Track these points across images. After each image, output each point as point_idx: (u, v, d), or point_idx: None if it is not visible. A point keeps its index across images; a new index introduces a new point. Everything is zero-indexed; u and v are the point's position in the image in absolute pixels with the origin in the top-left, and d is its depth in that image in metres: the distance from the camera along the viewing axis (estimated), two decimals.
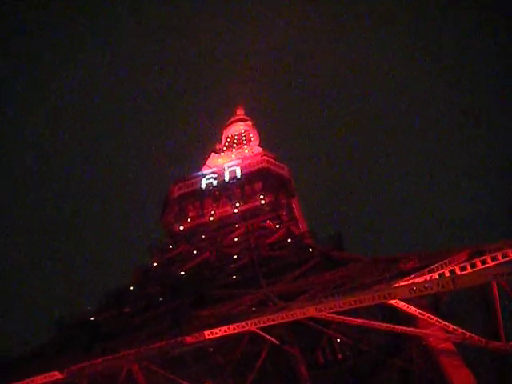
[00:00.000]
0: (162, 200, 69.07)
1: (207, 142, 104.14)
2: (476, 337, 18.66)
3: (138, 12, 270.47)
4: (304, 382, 25.76)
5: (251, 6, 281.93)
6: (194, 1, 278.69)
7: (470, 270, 18.93)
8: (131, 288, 44.07)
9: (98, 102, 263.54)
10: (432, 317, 18.71)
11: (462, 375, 19.02)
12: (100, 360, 23.31)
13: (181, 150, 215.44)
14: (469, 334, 18.68)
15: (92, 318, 36.36)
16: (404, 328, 19.87)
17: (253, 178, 66.76)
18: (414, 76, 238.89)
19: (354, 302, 18.43)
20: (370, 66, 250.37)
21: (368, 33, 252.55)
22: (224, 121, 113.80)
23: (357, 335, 26.33)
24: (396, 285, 18.53)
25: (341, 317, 19.86)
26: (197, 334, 22.13)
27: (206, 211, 64.85)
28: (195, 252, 50.79)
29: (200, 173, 73.18)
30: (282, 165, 70.06)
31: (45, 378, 23.07)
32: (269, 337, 22.78)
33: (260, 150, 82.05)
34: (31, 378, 23.08)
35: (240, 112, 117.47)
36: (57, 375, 23.13)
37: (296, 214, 63.73)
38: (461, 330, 18.65)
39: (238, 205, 62.98)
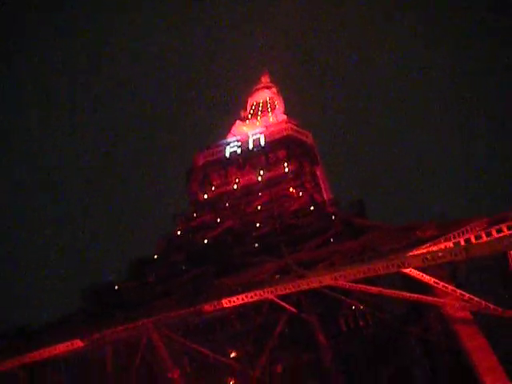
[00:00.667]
0: (187, 169, 69.06)
1: (233, 111, 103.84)
2: (492, 306, 18.60)
3: None
4: (323, 350, 25.99)
5: None
6: None
7: (484, 239, 18.75)
8: (155, 257, 44.44)
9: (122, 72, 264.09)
10: (447, 286, 18.68)
11: (478, 343, 18.98)
12: (120, 328, 23.75)
13: (207, 119, 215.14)
14: (484, 302, 18.64)
15: (116, 287, 36.79)
16: (420, 296, 19.86)
17: (277, 146, 66.37)
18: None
19: (369, 270, 18.46)
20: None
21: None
22: (250, 88, 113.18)
23: (377, 304, 26.45)
24: (411, 253, 18.46)
25: (357, 285, 19.91)
26: (215, 303, 22.35)
27: (230, 179, 64.75)
28: (219, 220, 50.97)
29: (224, 141, 72.94)
30: (305, 132, 69.51)
31: (66, 346, 23.67)
32: (286, 305, 22.97)
33: (284, 117, 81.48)
34: (54, 346, 23.67)
35: (265, 79, 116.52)
36: (78, 343, 23.68)
37: (320, 181, 63.25)
38: (476, 299, 18.62)
39: (261, 173, 62.76)
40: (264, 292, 21.08)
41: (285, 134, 67.83)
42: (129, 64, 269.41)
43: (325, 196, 61.06)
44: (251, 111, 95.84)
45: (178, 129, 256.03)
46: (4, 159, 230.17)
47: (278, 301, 22.21)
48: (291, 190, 54.25)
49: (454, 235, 19.85)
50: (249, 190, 58.54)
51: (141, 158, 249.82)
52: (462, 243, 18.70)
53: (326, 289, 22.38)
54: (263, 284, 22.21)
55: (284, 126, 71.05)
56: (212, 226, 49.75)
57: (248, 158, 66.34)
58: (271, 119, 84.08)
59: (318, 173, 64.86)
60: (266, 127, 74.59)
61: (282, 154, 65.62)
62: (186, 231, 51.92)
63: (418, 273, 18.25)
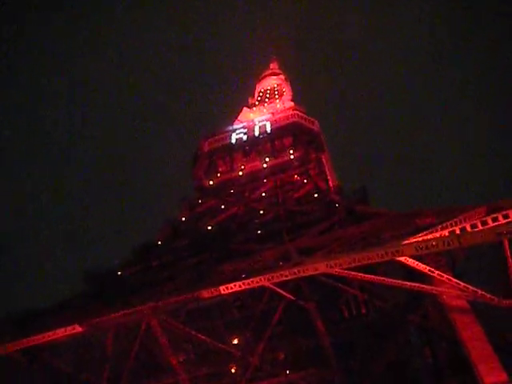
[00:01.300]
0: (193, 155, 69.14)
1: (241, 97, 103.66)
2: (488, 295, 18.51)
3: None
4: (322, 337, 26.06)
5: None
6: None
7: (479, 227, 18.67)
8: (159, 242, 44.59)
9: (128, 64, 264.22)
10: (442, 274, 18.60)
11: (473, 332, 18.90)
12: (118, 314, 23.85)
13: (215, 106, 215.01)
14: (480, 291, 18.54)
15: (119, 272, 36.96)
16: (417, 285, 19.79)
17: (283, 133, 66.38)
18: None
19: (363, 258, 18.39)
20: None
21: None
22: (258, 75, 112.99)
23: (377, 292, 26.48)
24: (405, 242, 18.40)
25: (353, 272, 19.86)
26: (213, 289, 22.32)
27: (235, 166, 64.84)
28: (223, 207, 51.12)
29: (230, 127, 73.03)
30: (312, 119, 69.36)
31: (65, 330, 23.67)
32: (283, 292, 22.98)
33: (292, 104, 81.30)
34: (53, 331, 23.75)
35: (274, 66, 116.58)
36: (77, 328, 23.69)
37: (326, 168, 63.14)
38: (472, 288, 18.52)
39: (267, 160, 62.80)
40: (261, 279, 21.05)
41: (291, 120, 67.81)
42: (137, 51, 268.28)
43: (330, 183, 60.97)
44: (259, 98, 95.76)
45: (186, 116, 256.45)
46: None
47: (275, 288, 22.16)
48: (296, 177, 54.31)
49: (451, 223, 19.73)
50: (254, 177, 58.70)
51: (148, 143, 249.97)
52: (458, 232, 18.64)
53: (323, 276, 22.39)
54: (260, 271, 22.24)
55: (291, 112, 70.99)
56: (216, 213, 49.95)
57: (254, 144, 66.41)
58: (278, 106, 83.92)
59: (324, 160, 64.69)
60: (273, 114, 74.56)
61: (287, 140, 65.63)
62: (191, 217, 52.11)
63: (412, 261, 18.16)
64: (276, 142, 65.68)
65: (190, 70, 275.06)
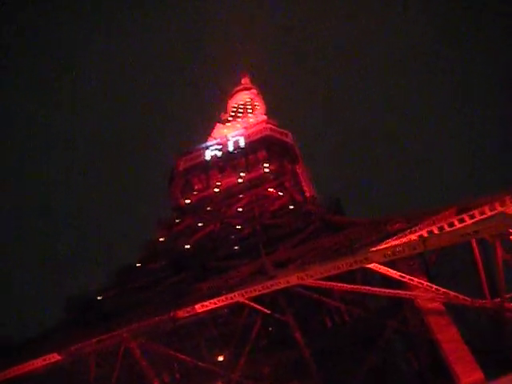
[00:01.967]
0: (168, 175, 69.05)
1: (214, 114, 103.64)
2: (460, 296, 18.63)
3: None
4: (302, 349, 25.96)
5: None
6: None
7: (446, 229, 18.77)
8: (138, 265, 44.33)
9: (99, 77, 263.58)
10: (413, 279, 18.70)
11: (449, 334, 19.00)
12: (95, 340, 23.62)
13: (187, 123, 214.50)
14: (452, 293, 18.66)
15: (99, 297, 36.66)
16: (391, 291, 19.91)
17: (256, 147, 66.54)
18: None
19: (333, 267, 18.45)
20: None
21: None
22: (230, 91, 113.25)
23: (356, 300, 26.53)
24: (373, 249, 18.45)
25: (327, 282, 19.90)
26: (188, 308, 22.29)
27: (211, 183, 64.76)
28: (200, 225, 50.93)
29: (204, 145, 72.99)
30: (285, 131, 69.76)
31: (44, 360, 23.43)
32: (258, 306, 22.94)
33: (265, 118, 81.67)
34: (31, 361, 23.47)
35: (245, 81, 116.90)
36: (56, 357, 23.47)
37: (302, 180, 63.57)
38: (443, 290, 18.64)
39: (242, 174, 62.82)
40: (235, 295, 21.07)
41: (263, 134, 68.03)
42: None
43: (308, 194, 61.43)
44: (232, 113, 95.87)
45: (158, 134, 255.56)
46: None
47: (250, 302, 22.15)
48: (271, 190, 54.32)
49: (420, 227, 19.85)
50: (230, 193, 58.57)
51: (123, 165, 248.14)
52: (425, 235, 18.71)
53: (299, 288, 22.39)
54: (235, 287, 22.21)
55: (263, 126, 71.24)
56: (194, 231, 49.71)
57: (228, 160, 66.50)
58: (251, 120, 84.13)
59: (300, 171, 65.07)
60: (246, 129, 74.73)
61: (261, 154, 65.78)
62: (169, 237, 51.87)
63: (382, 267, 18.24)
64: (250, 157, 65.81)
65: (161, 88, 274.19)
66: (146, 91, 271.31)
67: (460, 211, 20.52)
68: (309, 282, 19.45)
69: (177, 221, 56.58)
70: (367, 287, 20.10)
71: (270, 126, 70.32)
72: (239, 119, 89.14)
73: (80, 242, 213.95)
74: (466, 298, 18.63)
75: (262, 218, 44.09)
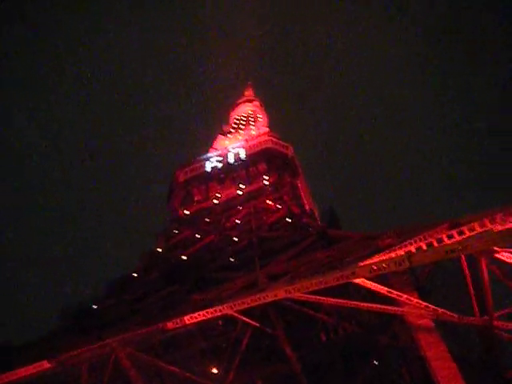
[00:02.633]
0: (169, 186, 69.13)
1: (216, 125, 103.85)
2: (448, 313, 18.56)
3: None
4: (292, 364, 25.83)
5: None
6: None
7: (435, 245, 18.65)
8: (134, 275, 44.29)
9: (102, 88, 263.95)
10: (401, 294, 18.58)
11: (437, 352, 18.87)
12: (84, 349, 23.61)
13: (190, 134, 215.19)
14: (441, 310, 18.59)
15: (95, 307, 36.66)
16: (380, 306, 19.81)
17: (257, 159, 66.58)
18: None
19: (321, 282, 18.35)
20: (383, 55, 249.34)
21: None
22: (233, 102, 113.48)
23: (346, 314, 26.40)
24: (360, 264, 18.35)
25: (315, 296, 19.82)
26: (177, 320, 22.25)
27: (211, 194, 64.72)
28: (198, 236, 50.89)
29: (205, 156, 73.09)
30: (286, 144, 69.73)
31: (34, 367, 23.47)
32: (247, 319, 22.90)
33: (266, 130, 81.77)
34: (23, 368, 23.50)
35: (248, 93, 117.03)
36: (46, 365, 23.53)
37: (301, 193, 63.48)
38: (432, 307, 18.56)
39: (242, 186, 62.78)
40: (224, 308, 21.02)
41: (264, 146, 68.08)
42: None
43: (306, 207, 61.26)
44: (233, 125, 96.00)
45: (160, 144, 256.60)
46: None
47: (238, 315, 22.14)
48: (270, 202, 54.25)
49: (410, 242, 19.73)
50: (229, 205, 58.56)
51: (123, 172, 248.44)
52: (413, 251, 18.58)
53: (289, 301, 22.36)
54: (225, 299, 22.17)
55: (264, 138, 71.29)
56: (192, 242, 49.66)
57: (229, 172, 66.57)
58: (253, 132, 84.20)
59: (299, 184, 65.00)
60: (247, 141, 74.74)
61: (262, 166, 65.78)
62: (167, 249, 51.83)
63: (370, 283, 18.16)
64: (251, 169, 65.84)
65: (164, 98, 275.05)
66: (150, 100, 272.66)
67: (451, 227, 20.41)
68: (296, 295, 19.38)
69: (175, 232, 56.53)
70: (355, 302, 19.98)
71: (271, 138, 70.32)
72: (241, 131, 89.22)
73: (80, 250, 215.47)
74: (454, 314, 18.53)
75: (259, 231, 43.97)
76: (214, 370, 27.94)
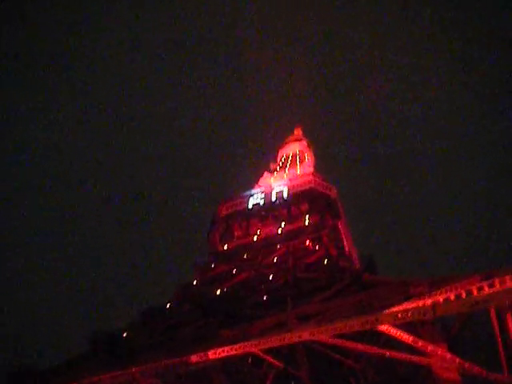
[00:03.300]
0: (210, 219, 69.57)
1: (264, 161, 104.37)
2: (475, 367, 18.04)
3: None
4: None
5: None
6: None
7: (464, 296, 18.28)
8: (167, 306, 44.51)
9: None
10: (427, 345, 18.21)
11: None
12: (106, 376, 23.76)
13: (237, 169, 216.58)
14: (468, 363, 18.09)
15: (125, 334, 36.87)
16: (404, 355, 19.49)
17: (299, 199, 66.62)
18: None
19: (345, 326, 18.16)
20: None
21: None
22: (282, 140, 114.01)
23: (376, 361, 26.02)
24: (386, 311, 18.11)
25: (340, 340, 19.64)
26: (202, 354, 22.23)
27: (251, 231, 64.91)
28: (235, 272, 50.94)
29: (248, 192, 73.44)
30: (330, 186, 69.61)
31: None
32: (270, 358, 22.75)
33: (311, 170, 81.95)
34: None
35: (297, 132, 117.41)
36: None
37: (342, 235, 63.11)
38: (459, 360, 18.11)
39: (282, 225, 62.82)
40: (248, 345, 20.96)
41: (308, 186, 68.15)
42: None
43: (346, 249, 60.91)
44: (280, 163, 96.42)
45: (207, 176, 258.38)
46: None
47: (261, 354, 22.02)
48: (308, 243, 54.11)
49: (440, 292, 19.46)
50: (268, 242, 58.52)
51: (164, 204, 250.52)
52: (441, 301, 18.26)
53: (316, 344, 22.20)
54: (249, 337, 22.11)
55: (308, 179, 71.38)
56: (228, 278, 49.71)
57: (270, 210, 66.69)
58: (298, 172, 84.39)
59: (341, 226, 64.55)
60: (291, 180, 74.91)
61: (304, 206, 65.78)
62: (202, 282, 51.99)
63: (394, 330, 17.86)
64: (292, 208, 65.85)
65: (217, 131, 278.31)
66: (201, 137, 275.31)
67: (483, 279, 20.02)
68: (320, 338, 19.19)
69: (212, 266, 56.74)
70: (378, 349, 19.70)
71: (314, 178, 70.39)
72: (287, 169, 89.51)
73: (117, 279, 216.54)
74: (482, 369, 18.00)
75: (295, 271, 43.84)
76: None
